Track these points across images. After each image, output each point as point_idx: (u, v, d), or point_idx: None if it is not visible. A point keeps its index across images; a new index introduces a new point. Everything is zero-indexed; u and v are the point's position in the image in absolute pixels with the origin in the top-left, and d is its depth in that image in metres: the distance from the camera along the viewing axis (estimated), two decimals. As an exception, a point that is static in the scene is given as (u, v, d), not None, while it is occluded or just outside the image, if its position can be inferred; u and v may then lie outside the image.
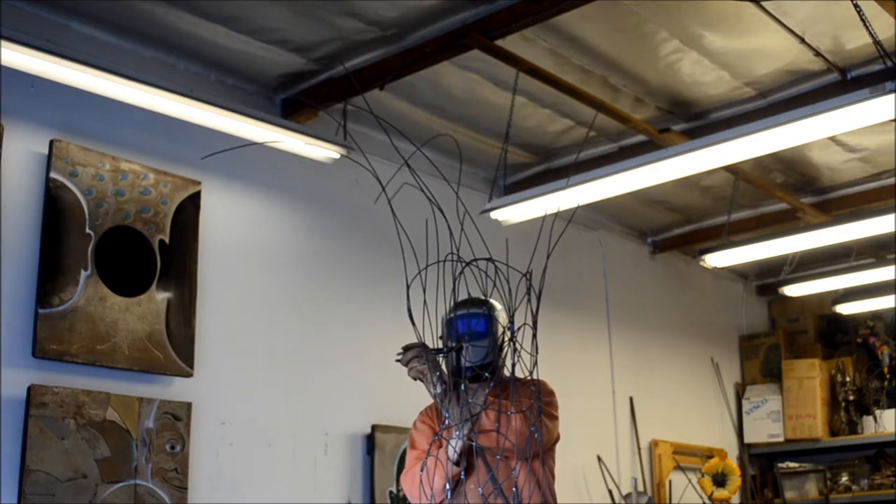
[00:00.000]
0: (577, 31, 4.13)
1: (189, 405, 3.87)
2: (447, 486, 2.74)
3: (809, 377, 7.16)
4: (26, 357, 3.49)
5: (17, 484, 3.35)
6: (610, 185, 4.27)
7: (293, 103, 4.51)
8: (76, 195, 3.66)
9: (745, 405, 7.37)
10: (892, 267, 6.02)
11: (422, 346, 2.70)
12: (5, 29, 3.19)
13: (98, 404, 3.58)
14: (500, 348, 2.92)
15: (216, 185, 4.22)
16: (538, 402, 2.75)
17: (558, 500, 2.95)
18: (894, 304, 6.57)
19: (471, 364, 2.79)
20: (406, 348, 2.76)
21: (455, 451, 2.74)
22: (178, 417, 3.82)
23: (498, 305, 2.97)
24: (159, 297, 3.87)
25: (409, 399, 3.34)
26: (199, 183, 4.08)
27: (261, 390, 4.27)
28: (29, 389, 3.43)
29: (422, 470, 2.74)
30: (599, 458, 5.93)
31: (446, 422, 2.73)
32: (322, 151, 4.11)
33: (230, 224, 4.28)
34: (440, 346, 2.89)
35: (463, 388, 2.69)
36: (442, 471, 2.74)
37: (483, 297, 2.83)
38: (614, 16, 4.01)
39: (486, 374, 2.83)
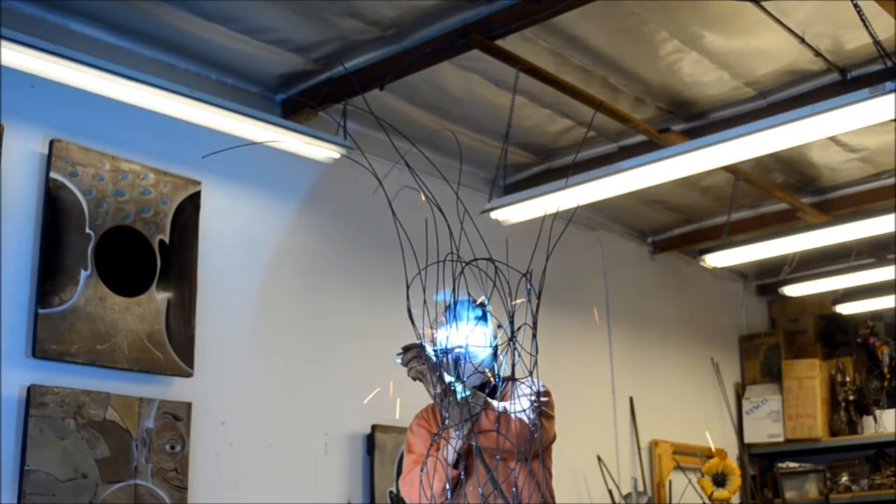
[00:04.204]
0: (577, 31, 4.13)
1: (189, 405, 3.87)
2: (447, 488, 2.74)
3: (809, 377, 7.16)
4: (26, 357, 3.49)
5: (17, 484, 3.36)
6: (610, 185, 4.27)
7: (293, 103, 4.51)
8: (76, 195, 3.66)
9: (745, 405, 7.37)
10: (892, 267, 6.01)
11: (421, 346, 2.69)
12: (5, 29, 3.19)
13: (98, 404, 3.58)
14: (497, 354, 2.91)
15: (216, 185, 4.22)
16: (537, 402, 2.75)
17: (558, 500, 2.95)
18: (894, 304, 6.57)
19: (471, 386, 2.78)
20: (405, 348, 2.76)
21: (455, 451, 2.74)
22: (178, 417, 3.82)
23: (489, 326, 2.92)
24: (159, 297, 3.87)
25: (409, 399, 3.33)
26: (199, 183, 4.08)
27: (261, 390, 4.27)
28: (29, 389, 3.43)
29: (421, 471, 2.74)
30: (599, 458, 5.93)
31: (446, 422, 2.72)
32: (322, 151, 4.11)
33: (230, 224, 4.28)
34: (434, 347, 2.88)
35: (463, 389, 2.69)
36: (441, 473, 2.74)
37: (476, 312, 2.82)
38: (614, 16, 4.01)
39: (490, 385, 2.84)
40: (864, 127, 3.95)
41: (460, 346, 2.80)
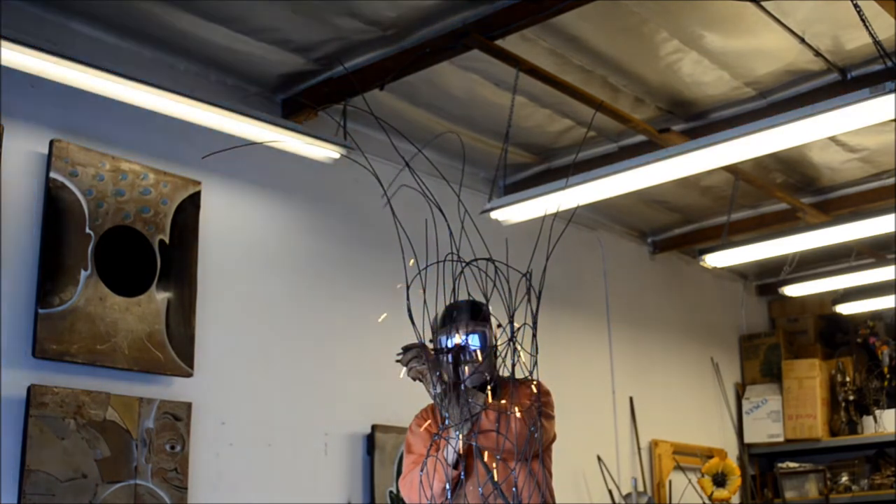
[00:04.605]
0: (577, 31, 4.13)
1: (189, 405, 3.87)
2: (447, 488, 2.74)
3: (809, 377, 7.16)
4: (26, 357, 3.49)
5: (17, 484, 3.36)
6: (610, 185, 4.27)
7: (293, 103, 4.51)
8: (76, 195, 3.66)
9: (745, 405, 7.37)
10: (892, 267, 6.01)
11: (421, 346, 2.69)
12: (5, 29, 3.19)
13: (98, 404, 3.58)
14: (496, 354, 2.91)
15: (216, 185, 4.22)
16: (538, 402, 2.75)
17: (558, 500, 2.95)
18: (894, 304, 6.57)
19: (471, 385, 2.78)
20: (406, 349, 2.76)
21: (455, 451, 2.74)
22: (178, 417, 3.82)
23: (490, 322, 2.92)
24: (159, 297, 3.87)
25: (409, 399, 3.34)
26: (199, 183, 4.08)
27: (261, 390, 4.27)
28: (29, 389, 3.43)
29: (421, 470, 2.74)
30: (599, 458, 5.93)
31: (446, 422, 2.72)
32: (322, 151, 4.11)
33: (230, 224, 4.28)
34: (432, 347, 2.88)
35: (463, 389, 2.69)
36: (441, 473, 2.74)
37: (473, 308, 2.81)
38: (614, 16, 4.01)
39: (489, 387, 2.84)
40: (864, 127, 3.95)
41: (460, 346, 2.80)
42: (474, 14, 3.91)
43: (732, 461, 6.27)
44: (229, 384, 4.14)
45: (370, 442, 4.57)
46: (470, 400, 2.65)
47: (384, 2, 3.83)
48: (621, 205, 5.96)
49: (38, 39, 3.28)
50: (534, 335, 2.48)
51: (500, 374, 2.92)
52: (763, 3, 3.92)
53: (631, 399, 6.36)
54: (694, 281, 7.22)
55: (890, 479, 6.94)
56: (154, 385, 3.84)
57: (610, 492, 5.89)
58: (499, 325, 2.84)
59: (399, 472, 4.54)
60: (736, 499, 6.47)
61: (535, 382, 2.70)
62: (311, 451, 4.39)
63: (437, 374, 2.70)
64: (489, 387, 2.84)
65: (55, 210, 3.61)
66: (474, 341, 2.86)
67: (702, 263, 5.68)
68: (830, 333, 7.74)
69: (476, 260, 2.49)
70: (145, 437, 3.70)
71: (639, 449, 6.27)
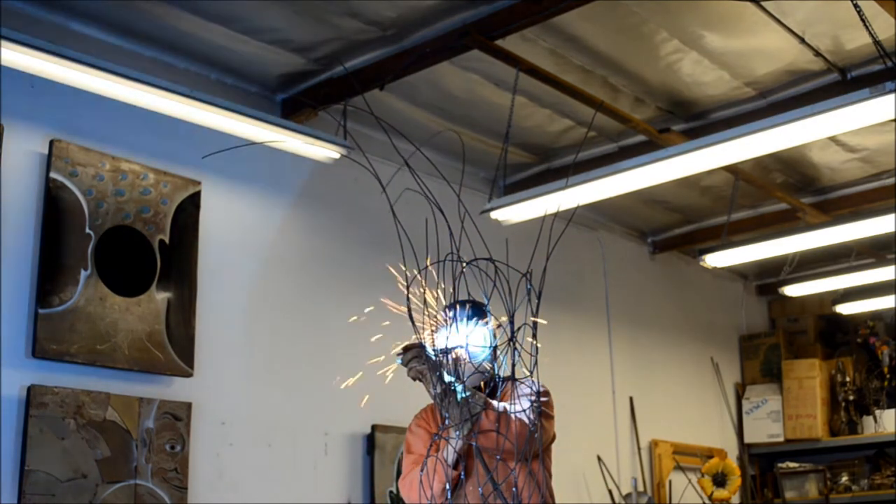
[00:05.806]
0: (577, 31, 4.13)
1: (189, 405, 3.87)
2: (447, 489, 2.74)
3: (809, 377, 7.16)
4: (26, 357, 3.49)
5: (17, 484, 3.36)
6: (610, 185, 4.27)
7: (293, 103, 4.51)
8: (76, 195, 3.66)
9: (745, 405, 7.37)
10: (892, 267, 6.01)
11: (421, 346, 2.69)
12: (5, 29, 3.19)
13: (98, 404, 3.58)
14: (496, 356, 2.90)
15: (216, 185, 4.22)
16: (537, 402, 2.75)
17: (558, 500, 2.95)
18: (894, 304, 6.57)
19: (471, 388, 2.78)
20: (405, 348, 2.76)
21: (455, 451, 2.74)
22: (178, 417, 3.82)
23: (486, 329, 2.92)
24: (159, 297, 3.87)
25: (409, 399, 3.34)
26: (199, 183, 4.08)
27: (261, 390, 4.27)
28: (29, 389, 3.43)
29: (422, 470, 2.74)
30: (599, 458, 5.93)
31: (446, 422, 2.72)
32: (322, 151, 4.11)
33: (230, 224, 4.28)
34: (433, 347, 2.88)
35: (463, 389, 2.69)
36: (441, 473, 2.74)
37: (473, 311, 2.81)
38: (614, 16, 4.01)
39: (490, 385, 2.83)
40: (864, 127, 3.95)
41: (460, 346, 2.79)
42: (474, 14, 3.91)
43: (732, 461, 6.27)
44: (229, 384, 4.14)
45: (370, 442, 4.57)
46: (470, 400, 2.65)
47: (384, 2, 3.83)
48: (621, 205, 5.95)
49: (38, 39, 3.27)
50: (534, 335, 2.48)
51: (500, 374, 2.92)
52: (763, 3, 3.92)
53: (631, 399, 6.36)
54: (694, 281, 7.22)
55: (890, 479, 6.94)
56: (154, 385, 3.84)
57: (610, 492, 5.89)
58: (499, 325, 2.84)
59: (399, 472, 4.54)
60: (736, 499, 6.47)
61: (530, 378, 2.70)
62: (311, 451, 4.39)
63: (438, 374, 2.70)
64: (487, 387, 2.84)
65: (55, 210, 3.61)
66: (474, 341, 2.86)
67: (702, 263, 5.68)
68: (830, 333, 7.74)
69: (476, 260, 2.49)
70: (145, 437, 3.70)
71: (639, 449, 6.27)
